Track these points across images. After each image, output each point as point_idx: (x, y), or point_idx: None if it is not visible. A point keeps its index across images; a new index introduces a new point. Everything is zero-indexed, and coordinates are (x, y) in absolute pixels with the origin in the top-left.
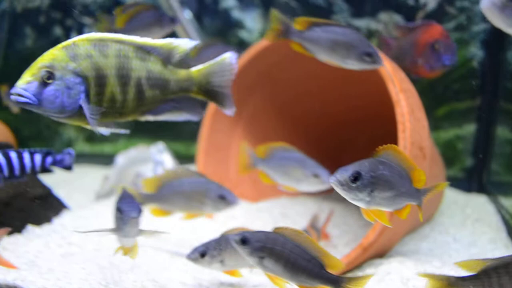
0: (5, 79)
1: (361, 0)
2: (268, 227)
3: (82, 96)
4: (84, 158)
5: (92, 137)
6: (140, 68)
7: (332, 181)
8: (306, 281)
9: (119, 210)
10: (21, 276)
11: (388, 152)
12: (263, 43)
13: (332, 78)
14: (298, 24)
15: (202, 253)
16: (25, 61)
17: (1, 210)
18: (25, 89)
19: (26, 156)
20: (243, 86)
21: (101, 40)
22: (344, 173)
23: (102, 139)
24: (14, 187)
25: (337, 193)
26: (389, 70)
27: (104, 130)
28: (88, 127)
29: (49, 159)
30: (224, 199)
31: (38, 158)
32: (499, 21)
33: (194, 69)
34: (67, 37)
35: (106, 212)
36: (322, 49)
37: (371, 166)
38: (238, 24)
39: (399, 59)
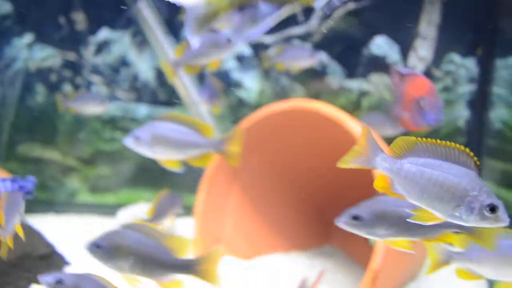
0: (17, 133)
1: (354, 63)
2: (262, 284)
3: None
4: (87, 208)
5: (94, 187)
6: None
7: (339, 222)
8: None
9: None
10: None
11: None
12: (259, 114)
13: (321, 145)
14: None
15: None
16: (36, 116)
17: (8, 271)
18: None
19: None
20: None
21: None
22: (345, 217)
23: (104, 189)
24: (22, 248)
25: (328, 248)
26: None
27: None
28: None
29: (14, 185)
30: None
31: (8, 184)
32: None
33: None
34: None
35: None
36: None
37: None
38: (238, 84)
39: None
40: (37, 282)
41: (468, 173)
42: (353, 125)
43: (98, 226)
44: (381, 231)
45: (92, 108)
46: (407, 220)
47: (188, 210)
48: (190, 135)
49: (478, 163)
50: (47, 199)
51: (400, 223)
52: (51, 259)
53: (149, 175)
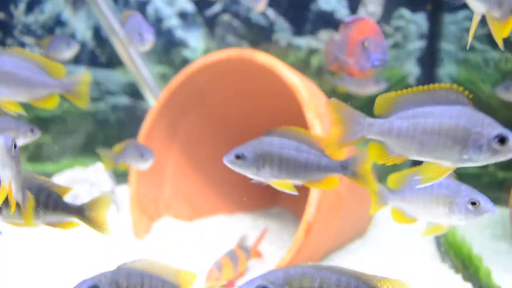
0: None
1: (302, 19)
2: (205, 246)
3: None
4: None
5: (34, 156)
6: None
7: (225, 161)
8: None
9: None
10: None
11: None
12: (193, 66)
13: (256, 95)
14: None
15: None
16: None
17: None
18: None
19: None
20: (177, 106)
21: None
22: (230, 155)
23: (45, 158)
24: None
25: (276, 209)
26: (306, 95)
27: None
28: None
29: None
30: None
31: None
32: None
33: None
34: None
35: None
36: None
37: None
38: (182, 43)
39: (336, 59)
40: None
41: (463, 110)
42: (287, 72)
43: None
44: (265, 171)
45: (62, 54)
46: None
47: None
48: (38, 74)
49: (470, 96)
50: None
51: (283, 165)
52: None
53: (93, 143)
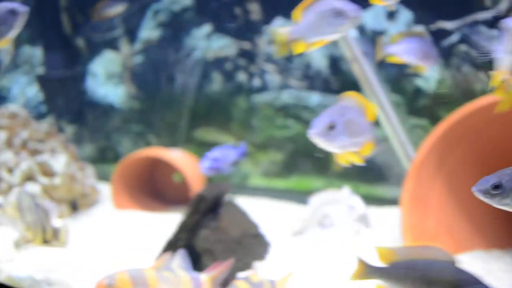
0: (195, 118)
1: None
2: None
3: None
4: (259, 191)
5: (266, 172)
6: None
7: (477, 191)
8: None
9: None
10: None
11: None
12: (476, 104)
13: None
14: None
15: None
16: (213, 103)
17: (235, 248)
18: None
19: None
20: (448, 140)
21: None
22: (484, 185)
23: (276, 174)
24: (242, 226)
25: None
26: None
27: None
28: None
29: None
30: None
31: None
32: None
33: None
34: (250, 82)
35: (304, 246)
36: None
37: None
38: (416, 73)
39: None
40: (255, 259)
41: None
42: None
43: (270, 208)
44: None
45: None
46: None
47: (368, 200)
48: (366, 121)
49: None
50: (223, 181)
51: None
52: (258, 238)
53: (318, 163)
